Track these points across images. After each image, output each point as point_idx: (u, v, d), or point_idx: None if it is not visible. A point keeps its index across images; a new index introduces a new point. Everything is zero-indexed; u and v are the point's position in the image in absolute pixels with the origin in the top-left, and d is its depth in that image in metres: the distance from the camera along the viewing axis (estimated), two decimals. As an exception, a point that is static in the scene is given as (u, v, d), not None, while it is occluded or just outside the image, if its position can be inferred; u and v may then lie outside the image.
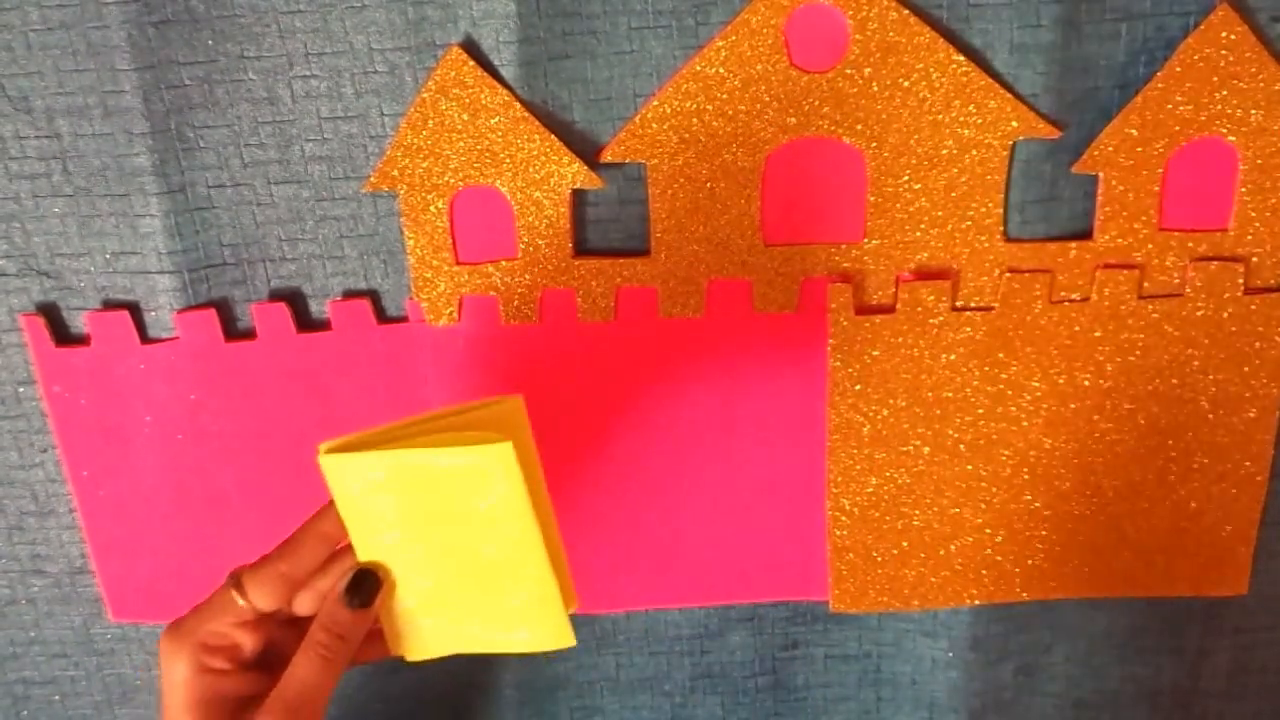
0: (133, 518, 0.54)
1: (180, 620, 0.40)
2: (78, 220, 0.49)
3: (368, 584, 0.39)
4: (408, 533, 0.39)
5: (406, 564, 0.40)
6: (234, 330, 0.51)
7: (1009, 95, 0.46)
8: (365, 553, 0.40)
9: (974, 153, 0.47)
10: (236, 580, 0.40)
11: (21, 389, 0.52)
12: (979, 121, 0.47)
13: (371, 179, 0.48)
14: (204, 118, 0.47)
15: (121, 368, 0.51)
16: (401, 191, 0.48)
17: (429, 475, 0.38)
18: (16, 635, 0.58)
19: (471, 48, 0.46)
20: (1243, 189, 0.48)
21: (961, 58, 0.46)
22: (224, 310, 0.51)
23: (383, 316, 0.51)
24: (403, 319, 0.51)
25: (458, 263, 0.49)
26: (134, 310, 0.50)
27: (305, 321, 0.51)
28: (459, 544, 0.39)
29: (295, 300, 0.51)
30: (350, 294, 0.51)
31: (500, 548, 0.39)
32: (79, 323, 0.51)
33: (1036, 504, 0.54)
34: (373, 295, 0.51)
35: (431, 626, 0.41)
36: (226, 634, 0.40)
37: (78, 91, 0.47)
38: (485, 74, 0.46)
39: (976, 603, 0.56)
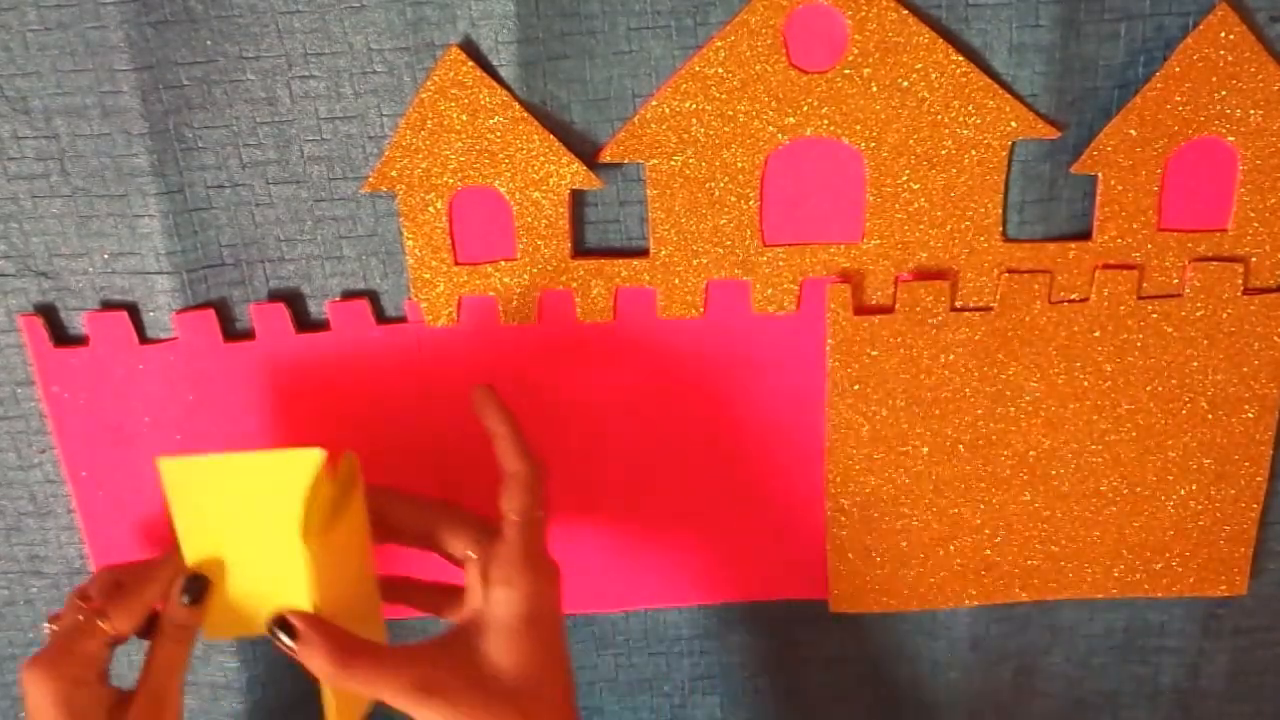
0: (132, 518, 0.54)
1: (48, 657, 0.43)
2: (76, 221, 0.49)
3: (199, 585, 0.45)
4: (227, 530, 0.45)
5: (228, 556, 0.46)
6: (232, 331, 0.51)
7: (1008, 95, 0.46)
8: (192, 553, 0.46)
9: (973, 153, 0.47)
10: (100, 611, 0.44)
11: (20, 390, 0.52)
12: (978, 121, 0.47)
13: (370, 179, 0.48)
14: (203, 118, 0.47)
15: (120, 368, 0.51)
16: (400, 192, 0.48)
17: (248, 478, 0.45)
18: (15, 636, 0.58)
19: (470, 48, 0.46)
20: (1242, 189, 0.48)
21: (961, 58, 0.46)
22: (222, 311, 0.51)
23: (381, 317, 0.51)
24: (402, 320, 0.51)
25: (456, 263, 0.49)
26: (132, 311, 0.50)
27: (304, 323, 0.51)
28: (263, 542, 0.45)
29: (294, 301, 0.51)
30: (349, 295, 0.51)
31: (285, 552, 0.44)
32: (77, 323, 0.51)
33: (1036, 504, 0.54)
34: (371, 296, 0.51)
35: (234, 610, 0.46)
36: (93, 656, 0.44)
37: (76, 92, 0.47)
38: (484, 74, 0.46)
39: (976, 603, 0.56)
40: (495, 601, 0.44)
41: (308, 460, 0.44)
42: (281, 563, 0.44)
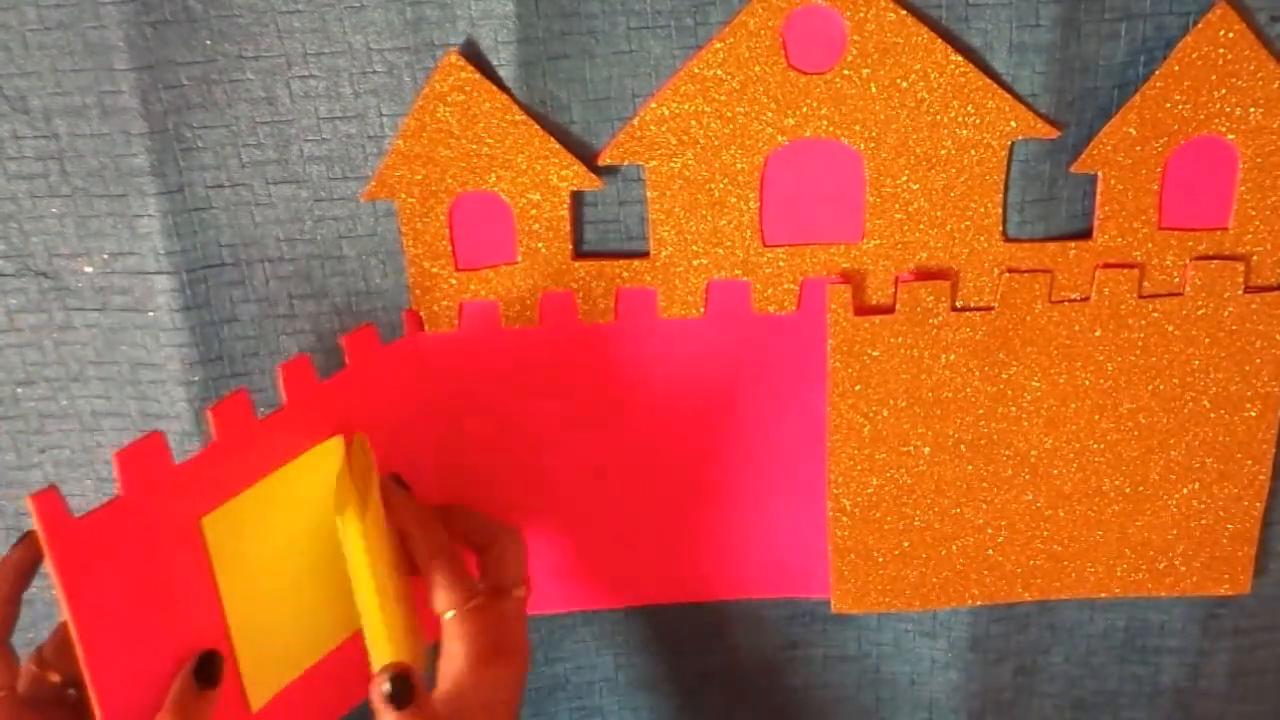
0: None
1: None
2: (75, 220, 0.49)
3: (212, 663, 0.41)
4: (271, 564, 0.44)
5: (272, 594, 0.45)
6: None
7: (1008, 95, 0.46)
8: (236, 610, 0.43)
9: (973, 153, 0.47)
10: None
11: (20, 390, 0.52)
12: (978, 122, 0.47)
13: (370, 188, 0.48)
14: (202, 118, 0.47)
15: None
16: (400, 200, 0.48)
17: (281, 494, 0.44)
18: (14, 638, 0.58)
19: (469, 49, 0.46)
20: (1242, 188, 0.48)
21: (960, 58, 0.46)
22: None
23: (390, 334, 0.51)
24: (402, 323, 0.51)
25: (457, 269, 0.49)
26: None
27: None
28: (310, 551, 0.45)
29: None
30: (349, 295, 0.50)
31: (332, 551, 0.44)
32: (78, 322, 0.51)
33: (1037, 504, 0.54)
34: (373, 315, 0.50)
35: (278, 659, 0.45)
36: None
37: (75, 91, 0.47)
38: (482, 78, 0.46)
39: (977, 603, 0.56)
40: (440, 676, 0.44)
41: (329, 451, 0.45)
42: (331, 567, 0.43)
